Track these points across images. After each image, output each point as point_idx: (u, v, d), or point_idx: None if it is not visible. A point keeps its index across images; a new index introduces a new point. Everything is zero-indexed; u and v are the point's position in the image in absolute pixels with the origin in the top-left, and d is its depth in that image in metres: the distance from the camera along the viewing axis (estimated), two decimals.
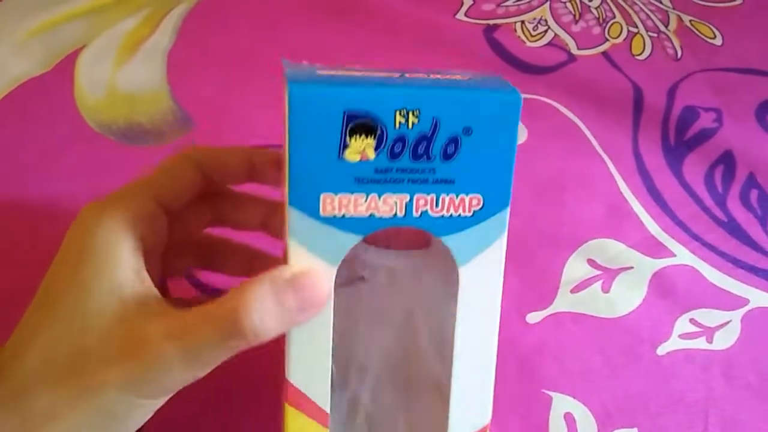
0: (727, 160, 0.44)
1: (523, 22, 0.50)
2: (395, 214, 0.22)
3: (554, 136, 0.44)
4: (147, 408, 0.22)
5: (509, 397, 0.35)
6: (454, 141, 0.21)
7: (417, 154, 0.21)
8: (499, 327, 0.37)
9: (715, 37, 0.50)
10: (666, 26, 0.51)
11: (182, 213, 0.26)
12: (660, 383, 0.36)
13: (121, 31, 0.44)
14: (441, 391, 0.25)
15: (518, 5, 0.51)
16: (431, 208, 0.22)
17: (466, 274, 0.23)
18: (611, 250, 0.40)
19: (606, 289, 0.39)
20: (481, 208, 0.22)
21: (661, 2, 0.52)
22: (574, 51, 0.48)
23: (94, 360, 0.21)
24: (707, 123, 0.46)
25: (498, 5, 0.50)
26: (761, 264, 0.41)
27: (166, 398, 0.22)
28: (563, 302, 0.38)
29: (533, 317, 0.38)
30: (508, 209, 0.23)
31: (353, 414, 0.27)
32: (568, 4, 0.51)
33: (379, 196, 0.21)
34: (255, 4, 0.47)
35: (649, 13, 0.51)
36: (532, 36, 0.49)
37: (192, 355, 0.21)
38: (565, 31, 0.49)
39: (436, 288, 0.26)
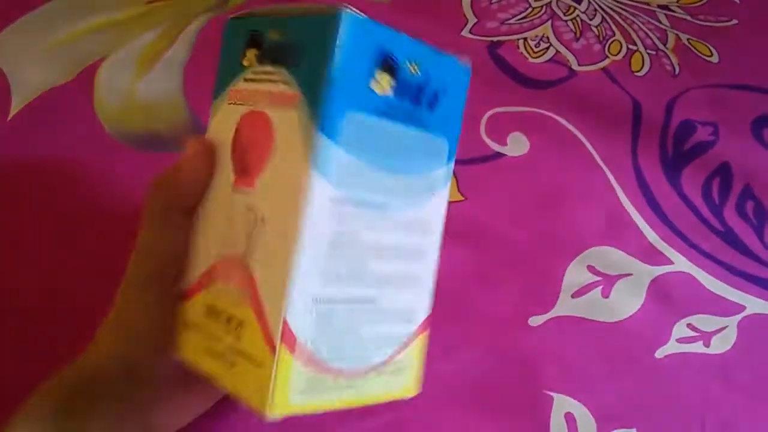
0: (723, 172, 0.46)
1: (525, 39, 0.51)
2: None
3: (556, 149, 0.46)
4: None
5: (512, 397, 0.36)
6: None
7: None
8: (503, 330, 0.38)
9: (711, 54, 0.52)
10: (664, 44, 0.52)
11: None
12: (658, 385, 0.37)
13: (140, 44, 0.45)
14: None
15: (521, 23, 0.52)
16: None
17: None
18: (611, 257, 0.41)
19: (606, 295, 0.40)
20: None
21: (659, 22, 0.54)
22: (575, 67, 0.50)
23: None
24: (704, 136, 0.47)
25: (501, 23, 0.52)
26: (757, 272, 0.42)
27: None
28: (564, 307, 0.39)
29: (535, 321, 0.39)
30: None
31: None
32: (570, 23, 0.53)
33: None
34: None
35: (648, 31, 0.53)
36: (534, 52, 0.51)
37: None
38: (566, 48, 0.51)
39: None
